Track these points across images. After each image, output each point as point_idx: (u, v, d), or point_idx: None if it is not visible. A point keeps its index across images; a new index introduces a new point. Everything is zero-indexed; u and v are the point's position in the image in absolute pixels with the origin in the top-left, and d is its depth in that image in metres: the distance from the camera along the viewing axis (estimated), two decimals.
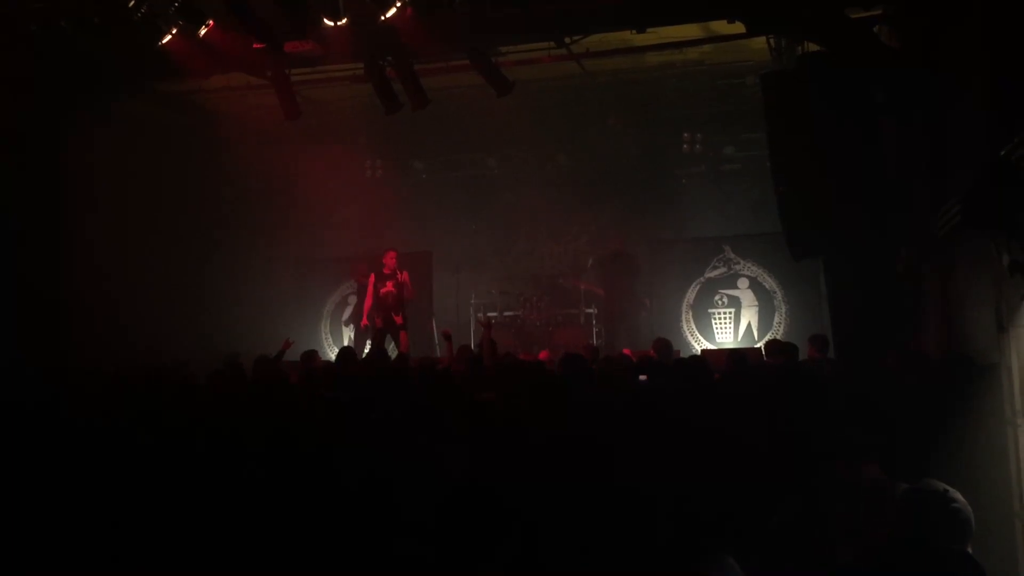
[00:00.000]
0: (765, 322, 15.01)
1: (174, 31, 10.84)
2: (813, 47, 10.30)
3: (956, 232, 7.52)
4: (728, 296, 15.25)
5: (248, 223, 15.67)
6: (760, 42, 12.17)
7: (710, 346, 14.73)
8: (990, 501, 3.43)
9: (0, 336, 10.96)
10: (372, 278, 13.32)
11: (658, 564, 3.29)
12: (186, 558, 3.94)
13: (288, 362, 10.87)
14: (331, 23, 10.65)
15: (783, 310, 14.92)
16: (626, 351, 11.38)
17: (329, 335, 16.93)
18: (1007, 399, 6.42)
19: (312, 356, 10.99)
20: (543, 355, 10.73)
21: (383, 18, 10.50)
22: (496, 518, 3.61)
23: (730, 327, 15.17)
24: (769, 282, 15.05)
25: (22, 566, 3.85)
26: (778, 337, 13.82)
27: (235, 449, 5.76)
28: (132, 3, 10.38)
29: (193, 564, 3.92)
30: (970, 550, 3.32)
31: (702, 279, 15.39)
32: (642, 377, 8.29)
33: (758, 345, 13.37)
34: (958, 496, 3.29)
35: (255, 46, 11.15)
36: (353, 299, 16.68)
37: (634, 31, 11.59)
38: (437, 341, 14.76)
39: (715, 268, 15.36)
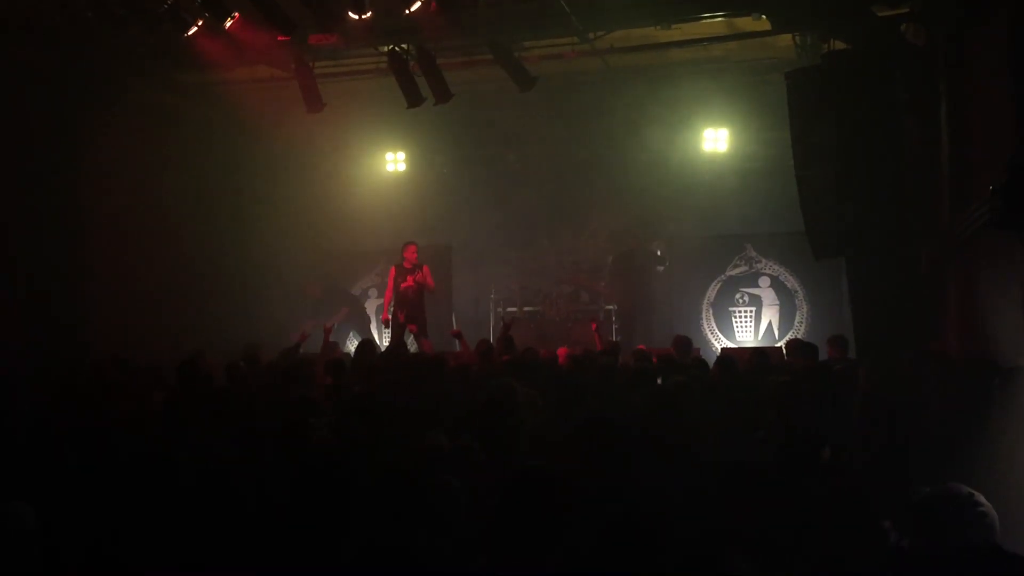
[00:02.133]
0: (786, 321, 14.93)
1: (199, 23, 10.87)
2: (839, 45, 10.24)
3: (981, 233, 7.45)
4: (749, 295, 15.17)
5: (269, 216, 15.70)
6: (786, 39, 12.10)
7: (730, 344, 14.67)
8: (1014, 506, 3.39)
9: (18, 328, 11.06)
10: (392, 272, 13.32)
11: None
12: (200, 552, 3.94)
13: (308, 354, 10.91)
14: (355, 16, 10.64)
15: (804, 310, 14.84)
16: (640, 347, 11.37)
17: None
18: None
19: (334, 348, 11.03)
20: (562, 352, 10.71)
21: (407, 12, 10.51)
22: (516, 515, 3.60)
23: (751, 326, 15.11)
24: (791, 281, 14.97)
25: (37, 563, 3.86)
26: (799, 337, 13.73)
27: (251, 442, 5.78)
28: None
29: (206, 559, 3.91)
30: None
31: (723, 277, 15.32)
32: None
33: (779, 344, 13.31)
34: (982, 499, 3.25)
35: (279, 39, 11.16)
36: (374, 292, 16.72)
37: (659, 27, 11.55)
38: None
39: (736, 266, 15.29)
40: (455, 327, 12.45)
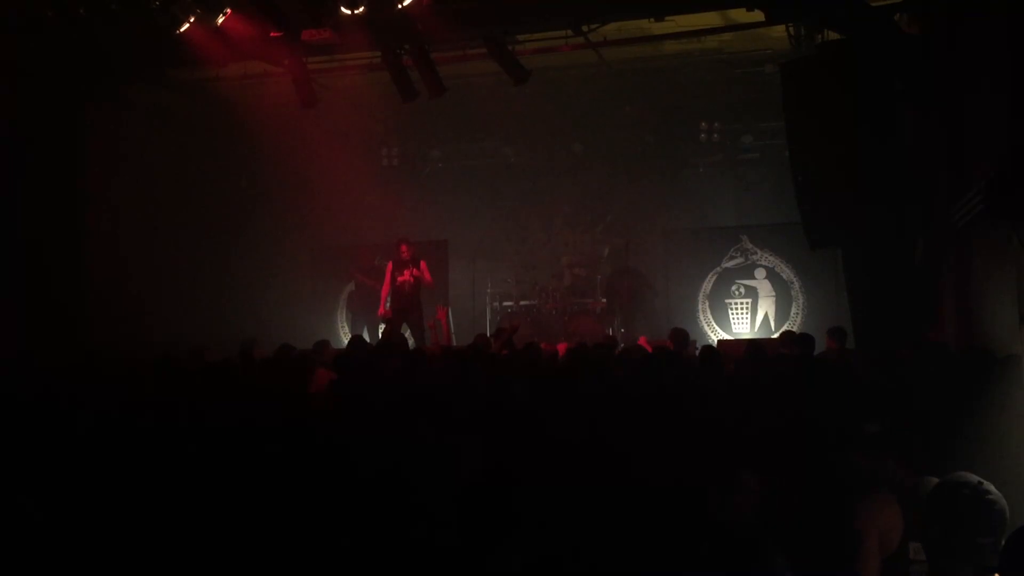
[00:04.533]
0: (782, 313, 14.95)
1: (192, 19, 10.84)
2: (833, 35, 10.22)
3: (976, 222, 7.45)
4: (745, 286, 15.18)
5: (264, 211, 15.70)
6: (780, 30, 12.09)
7: (727, 336, 14.68)
8: (1010, 496, 3.37)
9: (21, 326, 11.04)
10: (390, 266, 13.30)
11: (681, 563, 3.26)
12: (198, 551, 3.92)
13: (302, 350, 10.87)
14: (348, 11, 10.62)
15: (800, 301, 14.86)
16: (642, 341, 11.35)
17: (345, 323, 16.95)
18: None
19: (324, 345, 10.97)
20: (562, 347, 10.66)
21: (400, 6, 10.49)
22: (510, 511, 3.59)
23: (747, 317, 15.12)
24: (786, 272, 14.98)
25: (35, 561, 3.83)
26: (795, 328, 13.73)
27: (247, 438, 5.76)
28: None
29: (204, 557, 3.89)
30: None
31: (719, 269, 15.33)
32: None
33: (775, 336, 13.31)
34: (992, 488, 3.23)
35: (272, 34, 11.14)
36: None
37: (652, 19, 11.53)
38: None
39: (732, 258, 15.30)
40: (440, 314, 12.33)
